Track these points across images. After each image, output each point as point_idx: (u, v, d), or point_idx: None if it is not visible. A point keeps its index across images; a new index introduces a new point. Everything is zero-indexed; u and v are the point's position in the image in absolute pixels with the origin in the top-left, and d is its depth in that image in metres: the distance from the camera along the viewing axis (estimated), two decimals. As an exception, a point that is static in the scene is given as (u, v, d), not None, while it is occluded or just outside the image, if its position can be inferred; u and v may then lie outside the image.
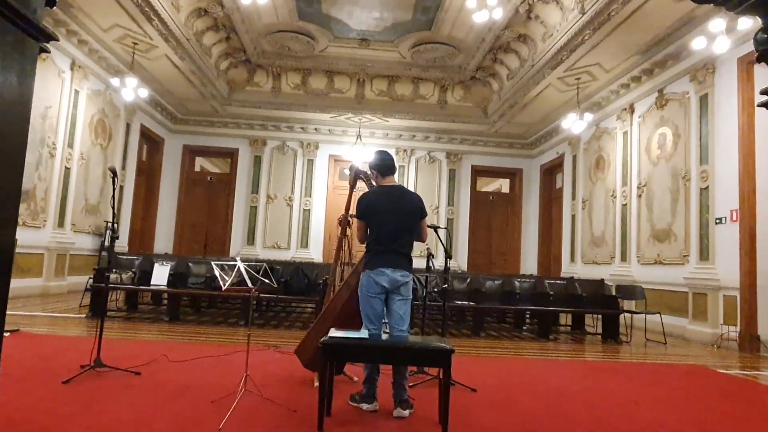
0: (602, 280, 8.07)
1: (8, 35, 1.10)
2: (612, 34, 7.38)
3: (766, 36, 1.27)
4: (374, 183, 3.54)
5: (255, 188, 12.80)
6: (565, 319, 8.37)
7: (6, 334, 4.85)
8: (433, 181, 13.01)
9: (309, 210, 12.79)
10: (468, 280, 7.35)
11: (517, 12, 8.18)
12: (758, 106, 1.27)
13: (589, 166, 10.44)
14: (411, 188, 12.61)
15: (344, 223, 4.13)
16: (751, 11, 1.31)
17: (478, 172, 13.49)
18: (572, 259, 10.82)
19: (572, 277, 8.77)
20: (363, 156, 11.42)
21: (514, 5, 8.02)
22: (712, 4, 1.40)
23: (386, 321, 3.38)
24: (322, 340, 2.89)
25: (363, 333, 3.15)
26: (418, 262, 5.35)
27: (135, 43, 8.66)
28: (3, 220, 1.21)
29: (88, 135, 9.22)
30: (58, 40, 1.32)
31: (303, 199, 12.79)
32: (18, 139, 1.23)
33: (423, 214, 3.38)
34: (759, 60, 1.36)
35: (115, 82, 8.93)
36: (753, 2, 1.26)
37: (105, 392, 3.26)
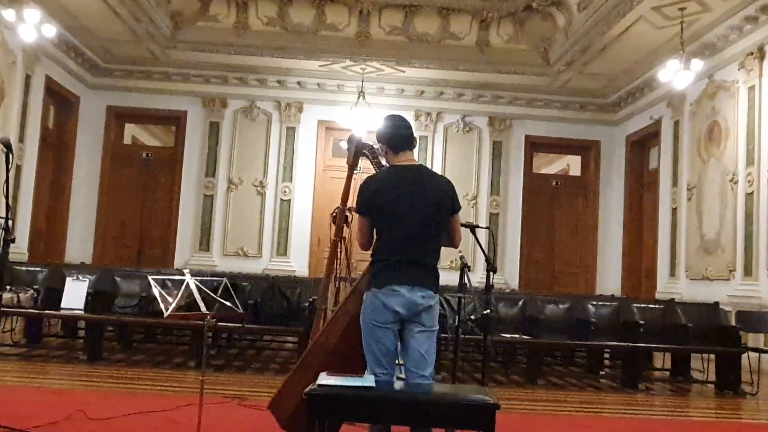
0: (716, 303, 8.01)
1: None
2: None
3: None
4: (384, 162, 3.52)
5: (211, 169, 12.84)
6: (662, 360, 8.31)
7: None
8: (468, 160, 13.00)
9: (289, 201, 12.82)
10: (520, 303, 7.33)
11: None
12: None
13: (698, 137, 10.35)
14: (436, 170, 12.67)
15: (341, 220, 4.12)
16: None
17: (535, 145, 13.42)
18: (672, 273, 10.76)
19: (672, 300, 8.68)
20: (367, 122, 11.41)
21: None
22: None
23: (401, 362, 3.38)
24: (308, 389, 2.88)
25: (367, 380, 3.15)
26: (447, 277, 5.30)
27: (38, -40, 8.69)
28: None
29: (-30, 92, 9.29)
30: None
31: (280, 185, 12.81)
32: None
33: (455, 207, 3.38)
34: None
35: (8, 14, 8.97)
36: None
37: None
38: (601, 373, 7.69)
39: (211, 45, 11.80)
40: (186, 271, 3.72)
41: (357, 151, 3.79)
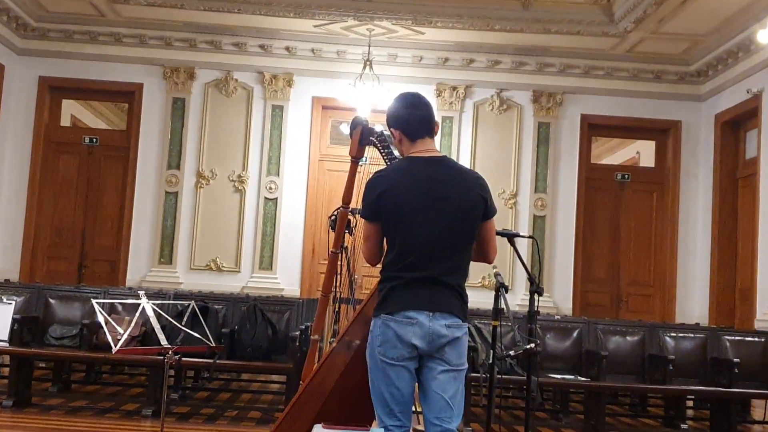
0: (833, 335, 7.99)
1: None
2: None
3: None
4: (396, 153, 3.55)
5: (175, 159, 12.88)
6: (765, 409, 8.27)
7: None
8: (506, 148, 12.99)
9: (276, 200, 12.84)
10: (575, 334, 7.32)
11: None
12: None
13: (809, 116, 10.33)
14: (463, 161, 12.61)
15: (341, 225, 4.17)
16: None
17: (594, 128, 13.40)
18: (776, 294, 10.71)
19: (775, 330, 8.68)
20: (376, 100, 11.48)
21: None
22: None
23: (419, 410, 3.41)
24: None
25: (376, 432, 3.19)
26: (478, 298, 5.31)
27: None
28: None
29: None
30: None
31: (265, 179, 12.85)
32: None
33: (489, 210, 3.43)
34: None
35: None
36: None
37: None
38: (683, 426, 7.64)
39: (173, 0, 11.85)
40: (141, 292, 3.76)
41: (362, 139, 3.83)
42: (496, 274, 4.31)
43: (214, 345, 3.66)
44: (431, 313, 3.25)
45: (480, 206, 3.38)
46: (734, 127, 12.59)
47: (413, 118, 3.47)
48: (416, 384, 3.33)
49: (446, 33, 12.17)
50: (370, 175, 3.51)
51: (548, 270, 12.71)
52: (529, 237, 4.96)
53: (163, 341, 3.31)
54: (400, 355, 3.25)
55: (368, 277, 4.24)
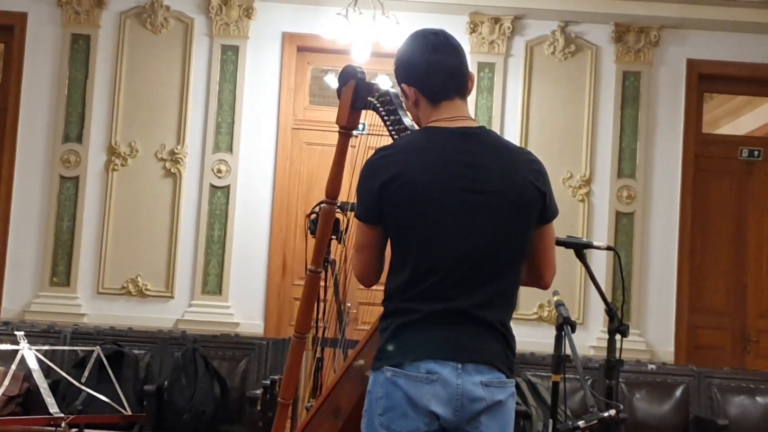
0: None
1: None
2: None
3: None
4: (407, 122, 3.55)
5: (74, 128, 12.92)
6: None
7: None
8: (575, 109, 13.04)
9: (228, 188, 12.88)
10: (679, 392, 7.27)
11: None
12: None
13: None
14: (511, 129, 12.85)
15: (325, 228, 4.18)
16: None
17: (706, 79, 13.41)
18: None
19: None
20: (378, 36, 11.56)
21: None
22: None
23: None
24: None
25: None
26: (532, 335, 5.27)
27: None
28: None
29: None
30: None
31: (211, 157, 12.87)
32: None
33: (547, 210, 3.45)
34: None
35: None
36: None
37: None
38: None
39: None
40: (20, 333, 3.77)
41: (356, 100, 3.85)
42: (558, 304, 4.33)
43: (129, 412, 3.66)
44: (460, 365, 3.24)
45: (535, 203, 3.38)
46: None
47: (436, 68, 3.46)
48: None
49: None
50: (372, 155, 3.50)
51: (638, 295, 12.70)
52: (608, 248, 4.98)
53: (53, 407, 3.31)
54: (414, 427, 3.25)
55: (366, 305, 4.26)
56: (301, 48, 13.12)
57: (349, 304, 4.67)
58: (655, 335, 12.68)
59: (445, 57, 3.46)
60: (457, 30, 12.57)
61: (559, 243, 3.64)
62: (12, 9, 13.00)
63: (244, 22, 13.00)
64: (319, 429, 3.65)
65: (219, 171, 12.86)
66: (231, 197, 12.85)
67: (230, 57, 13.00)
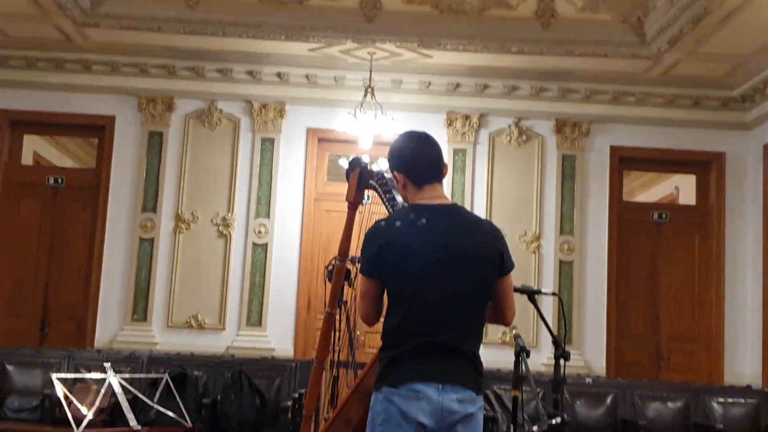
0: None
1: None
2: None
3: None
4: (399, 199, 3.54)
5: (151, 201, 12.90)
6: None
7: None
8: (526, 184, 13.00)
9: (266, 246, 12.84)
10: (609, 400, 7.24)
11: None
12: None
13: None
14: (478, 201, 12.73)
15: (339, 279, 4.15)
16: None
17: (625, 161, 13.41)
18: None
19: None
20: (378, 131, 11.53)
21: None
22: None
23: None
24: None
25: None
26: (498, 356, 5.25)
27: None
28: None
29: None
30: None
31: (253, 222, 12.84)
32: None
33: (506, 265, 3.41)
34: None
35: None
36: None
37: None
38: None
39: (151, 21, 11.90)
40: (107, 365, 3.72)
41: (361, 183, 3.83)
42: (516, 336, 4.29)
43: (190, 424, 3.60)
44: (441, 386, 3.22)
45: (495, 260, 3.38)
46: (786, 159, 12.62)
47: (420, 160, 3.47)
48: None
49: (457, 56, 12.21)
50: (371, 227, 3.50)
51: (578, 324, 12.62)
52: (553, 294, 4.95)
53: (132, 421, 3.26)
54: (404, 438, 3.22)
55: (371, 333, 4.21)
56: (320, 139, 13.11)
57: (358, 332, 4.61)
58: (590, 355, 12.57)
59: (427, 152, 3.47)
60: (438, 124, 12.64)
61: (516, 290, 3.61)
62: (104, 113, 13.07)
63: (278, 120, 13.04)
64: (334, 435, 3.61)
65: (259, 232, 12.83)
66: (268, 252, 12.82)
67: (267, 146, 13.01)
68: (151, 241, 12.84)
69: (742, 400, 7.56)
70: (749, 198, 13.02)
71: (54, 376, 3.23)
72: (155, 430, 3.49)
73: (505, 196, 12.84)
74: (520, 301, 3.69)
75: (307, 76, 12.97)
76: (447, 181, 3.46)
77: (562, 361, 4.18)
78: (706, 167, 13.46)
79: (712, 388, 8.58)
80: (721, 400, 7.46)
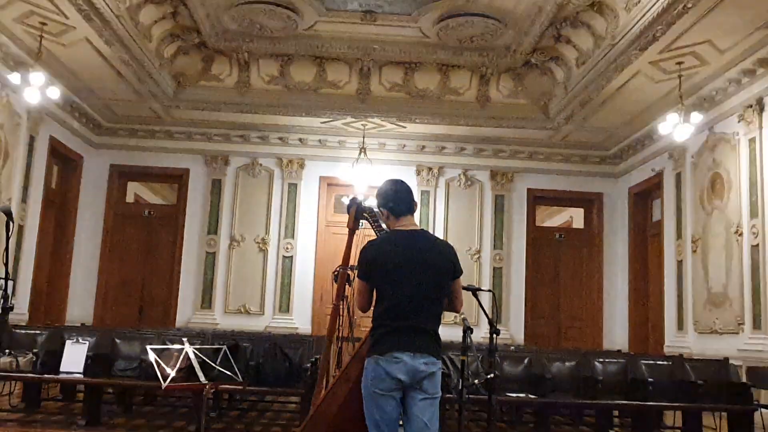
0: (726, 359, 7.91)
1: None
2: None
3: None
4: (384, 226, 3.54)
5: (213, 226, 12.88)
6: (674, 418, 8.16)
7: None
8: (471, 214, 13.03)
9: (291, 257, 12.81)
10: (526, 361, 7.24)
11: (588, -30, 8.34)
12: None
13: (700, 189, 10.38)
14: (438, 226, 12.75)
15: (342, 282, 4.14)
16: None
17: (537, 198, 13.48)
18: (680, 326, 10.65)
19: (681, 355, 8.59)
20: (369, 178, 11.53)
21: (583, -39, 8.17)
22: None
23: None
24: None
25: (370, 451, 3.12)
26: (451, 333, 5.27)
27: (43, 24, 8.89)
28: None
29: (-27, 154, 9.43)
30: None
31: (283, 241, 12.82)
32: None
33: (456, 272, 3.39)
34: None
35: (14, 78, 9.14)
36: None
37: None
38: (611, 432, 7.56)
39: (214, 103, 11.95)
40: (185, 339, 3.71)
41: (357, 215, 3.83)
42: (464, 319, 4.27)
43: (241, 380, 3.58)
44: (413, 354, 3.21)
45: (450, 269, 3.37)
46: (643, 197, 12.70)
47: (397, 200, 3.46)
48: (401, 409, 3.25)
49: (423, 127, 12.32)
50: (365, 243, 3.49)
51: (505, 310, 12.66)
52: (488, 291, 4.96)
53: (201, 378, 3.24)
54: (388, 388, 3.20)
55: (364, 318, 4.18)
56: (329, 183, 13.12)
57: (355, 317, 4.58)
58: (513, 330, 12.60)
59: (403, 194, 3.47)
60: (410, 173, 12.71)
61: (464, 288, 3.59)
62: (181, 167, 13.11)
63: (299, 171, 13.08)
64: (339, 388, 3.58)
65: (287, 248, 12.80)
66: (293, 262, 12.80)
67: (292, 189, 13.03)
68: (214, 254, 12.81)
69: (615, 360, 7.55)
70: (619, 223, 13.12)
71: (148, 347, 3.22)
72: (217, 383, 3.46)
73: (456, 223, 12.89)
74: (466, 296, 3.68)
75: (319, 141, 13.04)
76: (417, 214, 3.42)
77: (494, 336, 4.17)
78: (590, 203, 13.54)
79: (594, 351, 8.60)
80: (601, 360, 7.44)
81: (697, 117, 9.28)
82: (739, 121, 9.41)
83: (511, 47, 10.78)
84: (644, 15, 8.24)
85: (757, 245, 8.86)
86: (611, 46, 9.19)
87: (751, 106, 9.11)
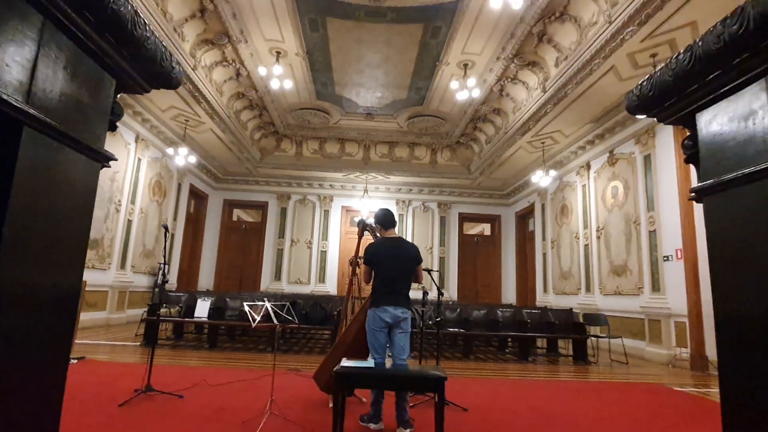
0: (571, 309, 7.90)
1: (79, 163, 1.27)
2: (570, 107, 7.53)
3: (691, 143, 1.37)
4: (378, 234, 3.54)
5: (281, 234, 12.81)
6: (542, 343, 8.13)
7: (73, 361, 4.76)
8: (427, 227, 13.00)
9: (325, 251, 12.75)
10: (458, 310, 7.20)
11: (491, 91, 8.40)
12: (685, 162, 1.36)
13: (555, 212, 10.43)
14: (409, 233, 12.70)
15: (354, 263, 4.10)
16: (677, 123, 1.42)
17: (464, 218, 13.48)
18: (545, 290, 10.65)
19: (545, 307, 8.58)
20: (369, 207, 11.49)
21: (489, 86, 8.23)
22: (645, 115, 1.49)
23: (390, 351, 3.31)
24: (335, 369, 2.82)
25: (370, 362, 3.07)
26: (418, 295, 5.28)
27: (186, 120, 8.89)
28: (72, 267, 1.29)
29: (147, 193, 9.34)
30: (116, 159, 1.43)
31: (320, 242, 12.77)
32: (83, 221, 1.31)
33: (419, 261, 3.36)
34: (687, 162, 1.45)
35: (170, 151, 9.13)
36: (677, 118, 1.38)
37: (153, 415, 3.17)
38: (506, 351, 7.49)
39: (282, 164, 11.92)
40: (265, 299, 3.66)
41: (362, 228, 3.81)
42: (422, 287, 4.24)
43: (297, 323, 3.54)
44: (395, 307, 3.17)
45: (416, 259, 3.32)
46: (523, 217, 12.72)
47: (386, 219, 3.42)
48: (388, 339, 3.22)
49: (400, 178, 12.28)
50: (368, 244, 3.44)
51: (446, 279, 12.56)
52: (437, 271, 4.92)
53: (274, 320, 3.19)
54: (381, 326, 3.17)
55: (367, 287, 4.12)
56: (347, 210, 13.02)
57: (362, 286, 4.49)
58: (451, 291, 12.45)
59: (390, 216, 3.42)
60: (393, 203, 12.65)
61: (423, 270, 3.55)
62: (263, 200, 12.98)
63: (330, 203, 12.98)
64: (353, 326, 3.52)
65: (323, 246, 12.68)
66: (328, 255, 12.66)
67: (326, 214, 12.94)
68: (282, 250, 12.67)
69: (509, 309, 7.49)
70: (510, 232, 13.08)
71: (244, 303, 3.16)
72: (283, 324, 3.41)
73: (419, 233, 12.80)
74: (425, 274, 3.64)
75: (341, 185, 12.96)
76: (397, 228, 3.36)
77: (440, 296, 4.14)
78: (494, 220, 13.51)
79: (497, 304, 8.53)
80: (501, 310, 7.37)
81: (553, 172, 9.37)
82: (576, 175, 9.48)
83: (448, 133, 10.86)
84: (522, 116, 8.34)
85: (587, 245, 8.90)
86: (505, 133, 9.28)
87: (583, 166, 9.18)
